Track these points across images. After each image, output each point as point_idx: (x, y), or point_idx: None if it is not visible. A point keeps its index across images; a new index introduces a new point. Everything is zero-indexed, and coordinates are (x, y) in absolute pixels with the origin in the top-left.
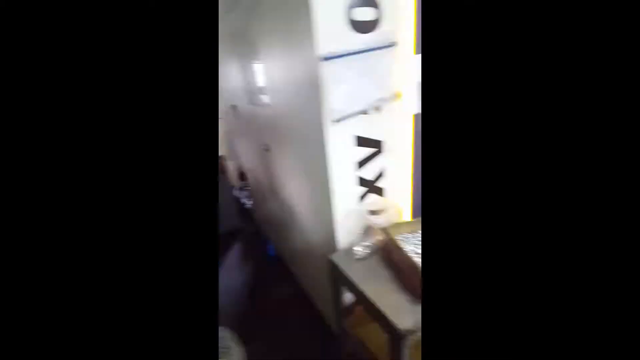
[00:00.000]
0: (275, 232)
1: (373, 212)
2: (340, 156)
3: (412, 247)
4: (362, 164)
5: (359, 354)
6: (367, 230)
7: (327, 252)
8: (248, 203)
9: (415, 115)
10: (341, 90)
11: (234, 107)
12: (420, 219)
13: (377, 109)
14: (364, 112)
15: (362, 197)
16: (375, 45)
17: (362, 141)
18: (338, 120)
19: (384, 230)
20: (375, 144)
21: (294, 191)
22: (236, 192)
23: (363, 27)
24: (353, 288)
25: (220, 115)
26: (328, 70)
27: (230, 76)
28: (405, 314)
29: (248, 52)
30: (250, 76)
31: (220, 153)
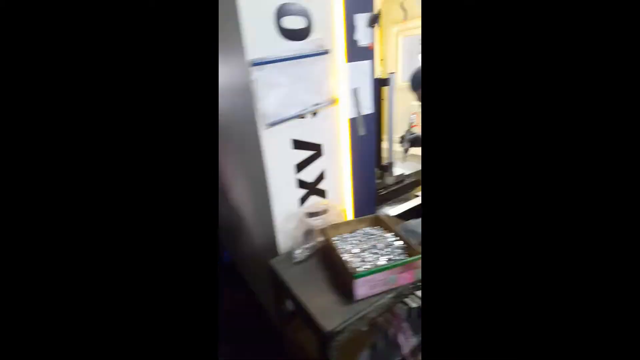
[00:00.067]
0: (227, 238)
1: (314, 214)
2: (277, 160)
3: (349, 246)
4: (301, 166)
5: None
6: (308, 233)
7: (269, 256)
8: None
9: (351, 120)
10: (274, 95)
11: None
12: (359, 218)
13: (314, 113)
14: (301, 116)
15: (303, 199)
16: (308, 53)
17: (300, 144)
18: (272, 124)
19: (322, 231)
20: (314, 147)
21: (239, 196)
22: None
23: (293, 34)
24: (288, 292)
25: None
26: (259, 76)
27: None
28: (333, 315)
29: None
30: None
31: None
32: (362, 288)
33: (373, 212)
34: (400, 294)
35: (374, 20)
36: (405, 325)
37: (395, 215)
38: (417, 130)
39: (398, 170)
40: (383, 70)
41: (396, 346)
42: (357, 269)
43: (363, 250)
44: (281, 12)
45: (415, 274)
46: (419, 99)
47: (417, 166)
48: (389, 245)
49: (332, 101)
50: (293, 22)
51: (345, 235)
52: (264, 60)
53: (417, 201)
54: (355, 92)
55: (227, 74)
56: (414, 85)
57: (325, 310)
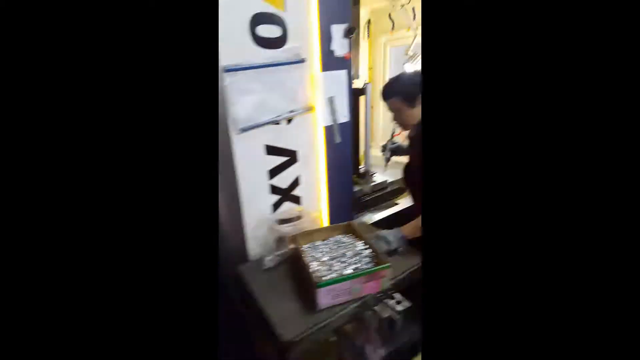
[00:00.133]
0: None
1: (286, 221)
2: (249, 165)
3: (320, 254)
4: (274, 172)
5: None
6: (280, 240)
7: (239, 262)
8: None
9: (326, 127)
10: (247, 101)
11: None
12: (332, 226)
13: (289, 120)
14: (275, 123)
15: (276, 205)
16: (283, 61)
17: (273, 150)
18: (244, 130)
19: (293, 238)
20: (288, 153)
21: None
22: None
23: (268, 43)
24: (251, 299)
25: None
26: (231, 81)
27: None
28: (292, 324)
29: None
30: None
31: None
32: (325, 297)
33: (350, 219)
34: (366, 304)
35: (350, 32)
36: (374, 335)
37: (374, 223)
38: (399, 140)
39: (380, 177)
40: (370, 79)
41: (364, 357)
42: (323, 278)
43: (332, 259)
44: (256, 21)
45: (382, 283)
46: (389, 109)
47: (399, 174)
48: (357, 254)
49: (308, 109)
50: (268, 31)
51: (318, 242)
52: (236, 67)
53: (397, 208)
54: (330, 101)
55: None
56: (383, 96)
57: (286, 319)
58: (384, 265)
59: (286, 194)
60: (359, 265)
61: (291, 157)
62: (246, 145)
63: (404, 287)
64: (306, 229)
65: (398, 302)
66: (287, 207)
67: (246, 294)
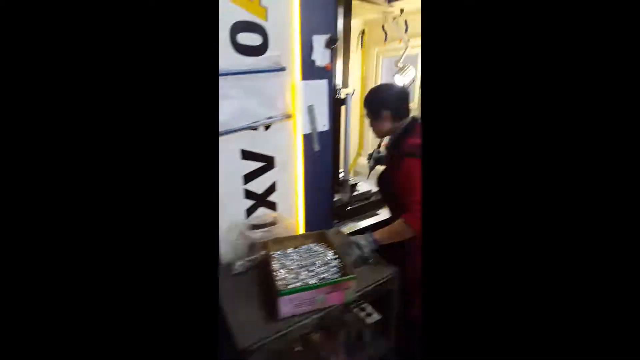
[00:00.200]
0: None
1: (260, 226)
2: (224, 169)
3: (289, 262)
4: (249, 177)
5: None
6: (252, 245)
7: None
8: None
9: (305, 135)
10: (225, 105)
11: None
12: (305, 233)
13: (267, 126)
14: (253, 128)
15: (250, 210)
16: (263, 68)
17: (249, 155)
18: (220, 134)
19: (264, 244)
20: (265, 159)
21: None
22: None
23: (248, 50)
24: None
25: None
26: None
27: None
28: (251, 332)
29: None
30: None
31: None
32: (286, 306)
33: (329, 228)
34: (329, 315)
35: (331, 42)
36: (341, 347)
37: (352, 232)
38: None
39: (364, 187)
40: (362, 88)
41: None
42: (289, 286)
43: (300, 267)
44: (237, 29)
45: (346, 295)
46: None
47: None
48: (326, 263)
49: (287, 116)
50: (248, 39)
51: (289, 250)
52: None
53: (377, 219)
54: (310, 109)
55: None
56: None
57: (246, 326)
58: (348, 277)
59: (261, 200)
60: (327, 275)
61: (268, 162)
62: (222, 149)
63: (372, 299)
64: (279, 236)
65: (368, 315)
66: (262, 213)
67: None
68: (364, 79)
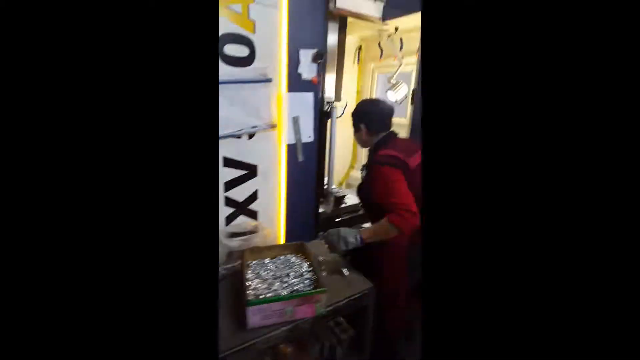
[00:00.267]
0: None
1: (238, 234)
2: None
3: (265, 272)
4: (230, 185)
5: None
6: (230, 253)
7: None
8: None
9: (289, 145)
10: None
11: None
12: (284, 244)
13: (251, 135)
14: (237, 137)
15: (230, 218)
16: (249, 79)
17: (231, 163)
18: None
19: (241, 253)
20: (247, 167)
21: None
22: None
23: (235, 61)
24: None
25: None
26: None
27: None
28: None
29: None
30: None
31: None
32: (254, 317)
33: (309, 239)
34: (298, 328)
35: (318, 57)
36: None
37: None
38: None
39: (353, 199)
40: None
41: None
42: (261, 296)
43: (275, 278)
44: (224, 40)
45: (317, 308)
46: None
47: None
48: (301, 275)
49: (272, 126)
50: (235, 50)
51: (267, 260)
52: None
53: None
54: (295, 120)
55: None
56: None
57: None
58: (318, 290)
59: (242, 208)
60: (299, 287)
61: (250, 171)
62: None
63: (346, 313)
64: (258, 245)
65: (343, 330)
66: (241, 221)
67: None
68: (359, 94)
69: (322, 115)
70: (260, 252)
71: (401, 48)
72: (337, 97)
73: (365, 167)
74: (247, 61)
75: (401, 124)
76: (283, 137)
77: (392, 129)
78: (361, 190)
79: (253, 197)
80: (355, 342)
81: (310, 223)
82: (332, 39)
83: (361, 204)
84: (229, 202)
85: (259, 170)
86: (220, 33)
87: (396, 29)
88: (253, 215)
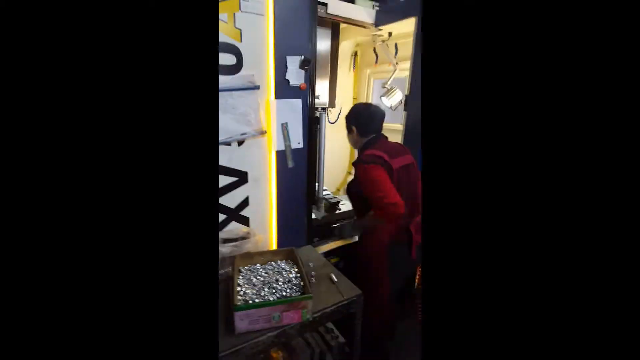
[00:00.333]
0: None
1: (229, 240)
2: None
3: (255, 278)
4: (221, 192)
5: None
6: (222, 259)
7: None
8: None
9: (279, 152)
10: None
11: None
12: (275, 250)
13: (240, 142)
14: (227, 144)
15: (222, 224)
16: (237, 87)
17: (222, 170)
18: None
19: (232, 259)
20: (237, 174)
21: None
22: None
23: (223, 70)
24: None
25: None
26: None
27: None
28: None
29: None
30: None
31: None
32: (242, 322)
33: (301, 245)
34: (285, 334)
35: (305, 63)
36: None
37: (326, 252)
38: None
39: (348, 205)
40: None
41: None
42: (250, 302)
43: (264, 284)
44: None
45: (303, 314)
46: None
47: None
48: (289, 281)
49: (261, 132)
50: (223, 59)
51: (257, 265)
52: None
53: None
54: (284, 127)
55: None
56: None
57: None
58: (304, 296)
59: (233, 214)
60: (287, 293)
61: (241, 177)
62: None
63: (336, 319)
64: (249, 251)
65: (334, 337)
66: (233, 227)
67: None
68: (356, 100)
69: (312, 122)
70: (252, 257)
71: (396, 54)
72: (331, 103)
73: (354, 165)
74: (234, 69)
75: (397, 129)
76: (273, 144)
77: (382, 133)
78: (349, 191)
79: (244, 203)
80: (345, 348)
81: (301, 229)
82: (325, 45)
83: (351, 204)
84: (221, 208)
85: (250, 177)
86: None
87: (390, 34)
88: (245, 221)
